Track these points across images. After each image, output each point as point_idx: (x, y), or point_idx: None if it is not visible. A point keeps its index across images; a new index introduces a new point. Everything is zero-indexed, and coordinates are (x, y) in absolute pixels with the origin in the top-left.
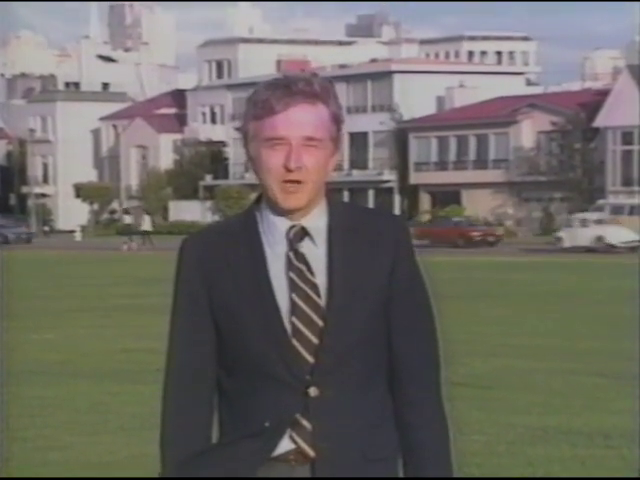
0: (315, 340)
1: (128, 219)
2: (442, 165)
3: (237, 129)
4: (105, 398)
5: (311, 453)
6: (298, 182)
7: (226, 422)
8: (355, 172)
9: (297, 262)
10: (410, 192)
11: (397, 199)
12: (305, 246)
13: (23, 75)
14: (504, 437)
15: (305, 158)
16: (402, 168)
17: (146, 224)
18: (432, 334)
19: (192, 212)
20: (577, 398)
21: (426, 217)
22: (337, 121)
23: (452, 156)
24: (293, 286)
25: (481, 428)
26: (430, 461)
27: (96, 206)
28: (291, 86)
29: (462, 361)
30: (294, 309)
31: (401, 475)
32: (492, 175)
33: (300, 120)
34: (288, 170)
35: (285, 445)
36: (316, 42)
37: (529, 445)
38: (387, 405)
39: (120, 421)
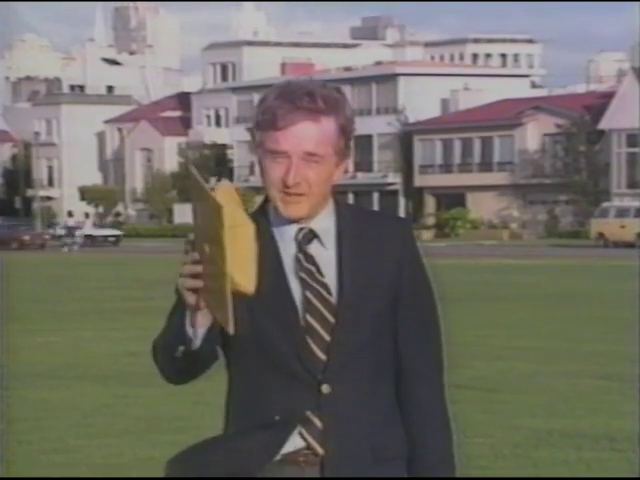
0: (327, 337)
1: (71, 222)
2: (447, 168)
3: (248, 129)
4: (111, 401)
5: (320, 451)
6: (299, 194)
7: (235, 414)
8: (360, 175)
9: (307, 264)
10: (415, 195)
11: (402, 202)
12: (314, 248)
13: (28, 78)
14: (509, 440)
15: (305, 172)
16: (407, 171)
17: (87, 227)
18: (435, 336)
19: None
20: (582, 401)
21: (431, 220)
22: (345, 132)
23: (457, 159)
24: (305, 285)
25: (486, 431)
26: (432, 460)
27: (101, 209)
28: (296, 102)
29: (466, 364)
30: (308, 306)
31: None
32: (497, 178)
33: (301, 136)
34: (286, 185)
35: (295, 442)
36: (321, 45)
37: (534, 448)
38: (397, 403)
39: (126, 424)
